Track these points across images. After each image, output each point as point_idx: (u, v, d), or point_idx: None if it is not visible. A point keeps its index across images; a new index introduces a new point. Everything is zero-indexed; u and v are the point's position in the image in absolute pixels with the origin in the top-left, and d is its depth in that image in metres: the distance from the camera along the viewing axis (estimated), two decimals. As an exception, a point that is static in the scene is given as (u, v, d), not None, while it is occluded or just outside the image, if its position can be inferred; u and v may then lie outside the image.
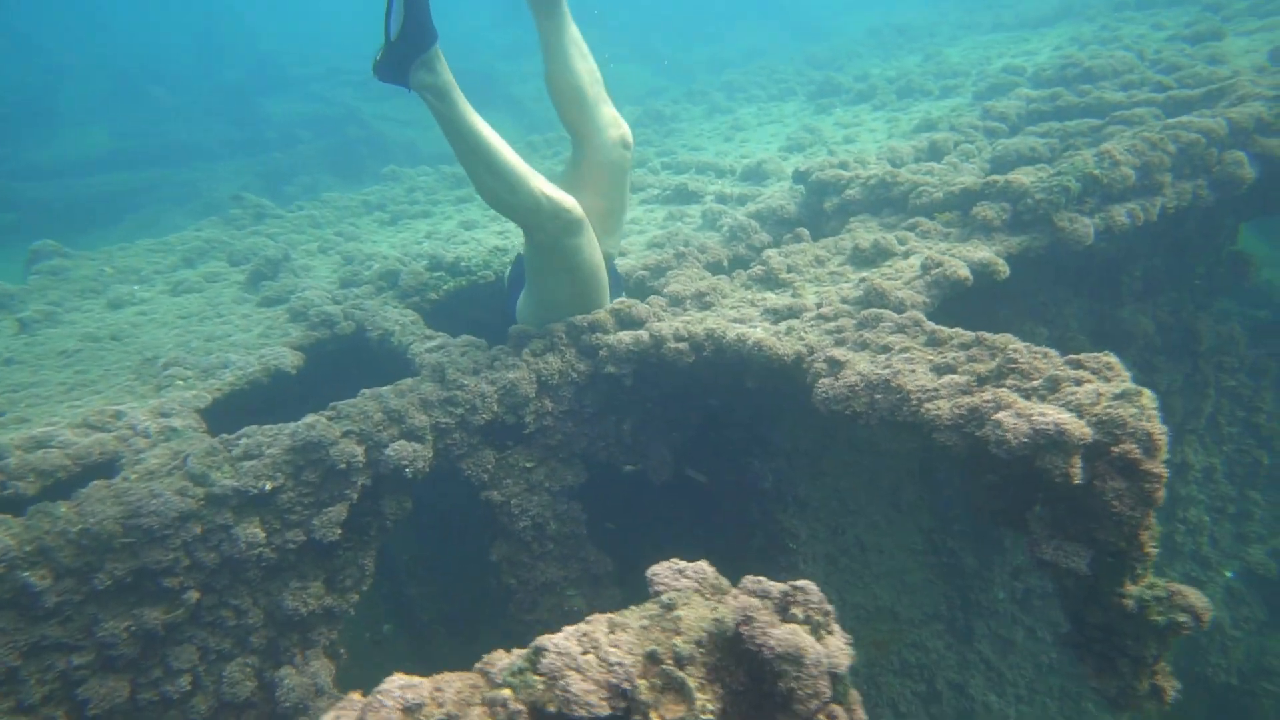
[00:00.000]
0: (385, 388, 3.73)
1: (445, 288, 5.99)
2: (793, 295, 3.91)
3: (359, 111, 21.03)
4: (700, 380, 3.87)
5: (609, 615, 1.72)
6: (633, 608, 1.80)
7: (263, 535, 3.27)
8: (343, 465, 3.37)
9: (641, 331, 3.75)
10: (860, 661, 4.83)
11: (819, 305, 3.59)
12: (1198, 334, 4.69)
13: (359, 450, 3.42)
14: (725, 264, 5.22)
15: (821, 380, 2.94)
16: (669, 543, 5.12)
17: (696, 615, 1.67)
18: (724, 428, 4.23)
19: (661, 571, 1.81)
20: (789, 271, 4.19)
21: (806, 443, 4.48)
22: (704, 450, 4.35)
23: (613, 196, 4.17)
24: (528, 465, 3.92)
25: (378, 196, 10.42)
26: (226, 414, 4.54)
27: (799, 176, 6.08)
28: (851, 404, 2.77)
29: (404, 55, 3.47)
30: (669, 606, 1.71)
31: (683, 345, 3.62)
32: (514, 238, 7.38)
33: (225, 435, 3.42)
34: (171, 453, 3.54)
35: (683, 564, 1.84)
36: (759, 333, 3.33)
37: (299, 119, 20.20)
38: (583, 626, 1.67)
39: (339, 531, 3.41)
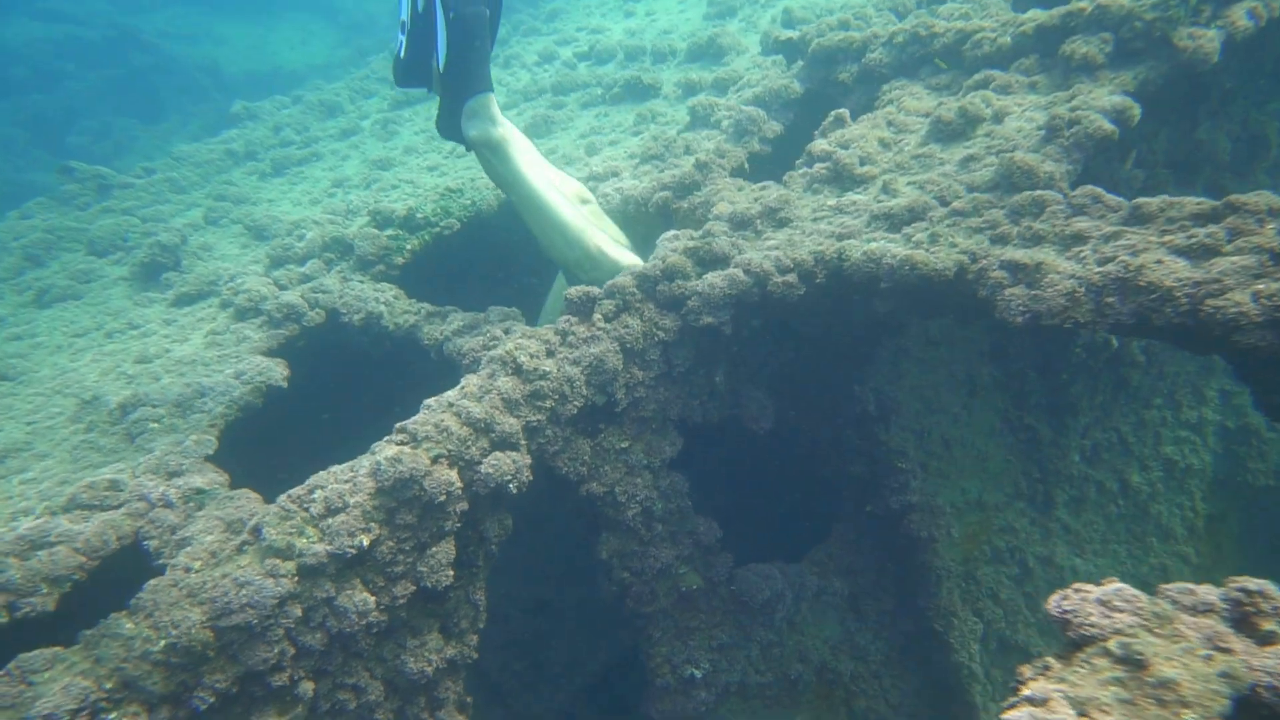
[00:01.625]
0: (450, 393, 3.37)
1: (409, 248, 5.51)
2: (884, 192, 3.70)
3: (133, 30, 18.72)
4: (797, 312, 3.67)
5: (1054, 684, 1.47)
6: (1054, 661, 1.55)
7: (371, 599, 2.94)
8: (441, 497, 3.04)
9: (734, 270, 3.49)
10: (957, 560, 4.93)
11: (944, 200, 3.39)
12: (1266, 141, 4.70)
13: (453, 475, 3.10)
14: (745, 166, 4.95)
15: (1008, 291, 2.77)
16: (767, 494, 5.04)
17: (1192, 672, 1.45)
18: (819, 357, 4.08)
19: (1078, 606, 1.59)
20: (863, 165, 3.96)
21: (887, 350, 4.40)
22: (793, 384, 4.21)
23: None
24: (622, 445, 3.67)
25: (242, 143, 9.50)
26: (217, 453, 4.08)
27: (785, 47, 5.78)
28: (1072, 313, 2.61)
29: (454, 96, 3.90)
30: (1134, 662, 1.48)
31: (790, 278, 3.39)
32: (453, 173, 6.84)
33: (292, 491, 3.02)
34: (222, 524, 3.12)
35: (1095, 589, 1.63)
36: (898, 248, 3.12)
37: (49, 47, 17.74)
38: (1040, 713, 1.43)
39: (451, 573, 3.11)
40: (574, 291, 3.69)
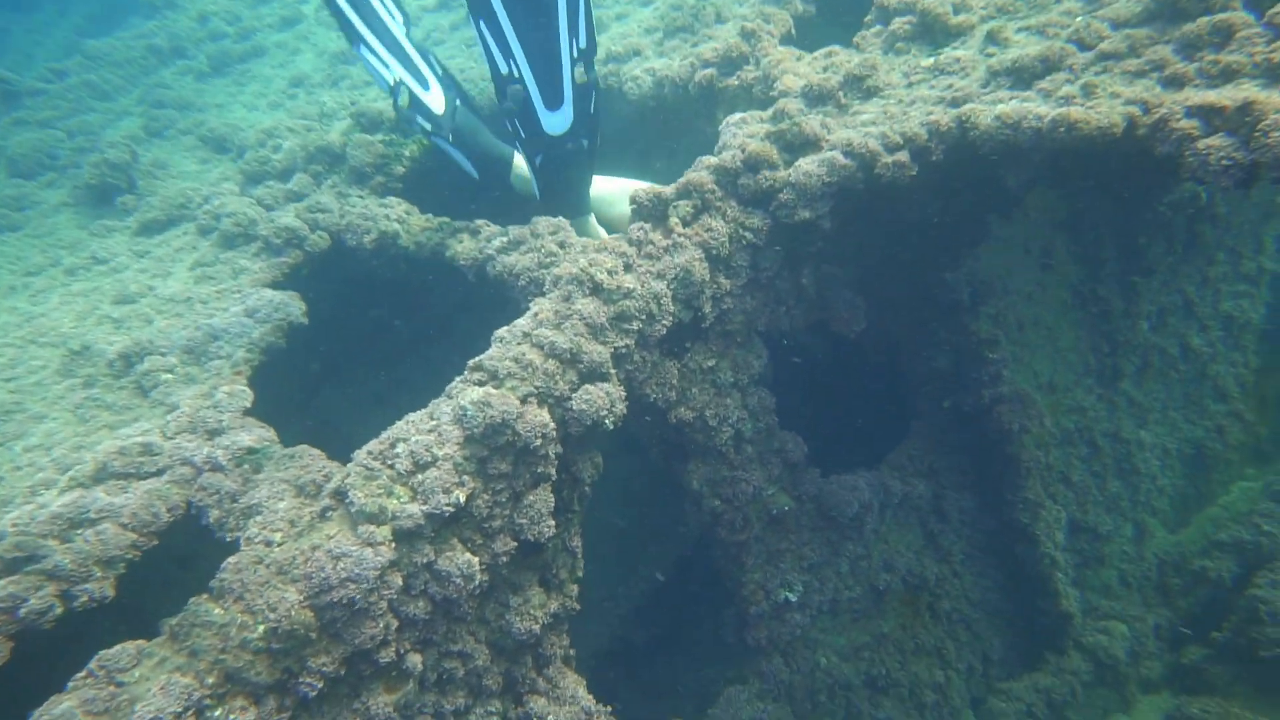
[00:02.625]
0: (523, 321, 3.17)
1: (408, 155, 5.17)
2: (991, 43, 3.46)
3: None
4: (899, 197, 3.49)
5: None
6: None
7: (474, 559, 2.81)
8: (536, 441, 2.89)
9: (832, 153, 3.27)
10: (1031, 445, 4.90)
11: (1083, 44, 3.13)
12: None
13: (545, 415, 2.93)
14: (793, 33, 4.67)
15: (1203, 144, 2.54)
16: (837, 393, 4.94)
17: None
18: (906, 247, 3.93)
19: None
20: (957, 13, 3.69)
21: (993, 233, 4.26)
22: (875, 279, 4.06)
23: None
24: (709, 364, 3.52)
25: (164, 36, 8.84)
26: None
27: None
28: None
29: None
30: None
31: (901, 156, 3.18)
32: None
33: (370, 447, 2.83)
34: (292, 487, 2.94)
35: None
36: (1041, 106, 2.89)
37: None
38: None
39: (552, 523, 2.99)
40: (642, 194, 3.46)
